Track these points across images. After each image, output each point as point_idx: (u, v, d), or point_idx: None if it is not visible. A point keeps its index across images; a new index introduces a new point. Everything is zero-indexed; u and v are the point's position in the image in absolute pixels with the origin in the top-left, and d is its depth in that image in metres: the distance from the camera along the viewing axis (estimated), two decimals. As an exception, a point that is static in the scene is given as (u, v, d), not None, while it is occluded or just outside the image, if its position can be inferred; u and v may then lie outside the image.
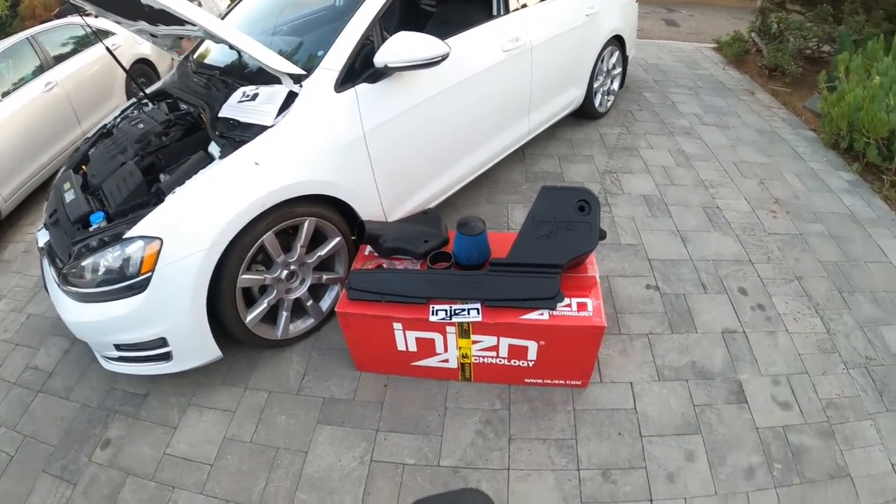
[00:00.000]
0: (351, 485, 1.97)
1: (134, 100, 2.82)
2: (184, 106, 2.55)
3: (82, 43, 4.82)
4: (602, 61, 4.06)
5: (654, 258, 2.95)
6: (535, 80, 3.29)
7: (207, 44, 2.85)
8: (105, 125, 2.71)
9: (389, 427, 2.14)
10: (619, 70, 4.43)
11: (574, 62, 3.73)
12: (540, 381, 2.23)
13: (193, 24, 1.92)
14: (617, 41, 4.18)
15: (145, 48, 5.31)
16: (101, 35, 4.34)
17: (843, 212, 3.33)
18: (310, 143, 2.16)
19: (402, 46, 2.21)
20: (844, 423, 2.16)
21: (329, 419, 2.18)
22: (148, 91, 2.81)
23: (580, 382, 2.23)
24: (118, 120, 2.69)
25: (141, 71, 5.31)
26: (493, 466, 2.00)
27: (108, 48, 2.77)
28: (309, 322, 2.47)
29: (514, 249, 2.06)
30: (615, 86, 4.49)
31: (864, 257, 2.98)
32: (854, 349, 2.46)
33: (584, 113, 4.25)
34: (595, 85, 4.12)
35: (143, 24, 2.40)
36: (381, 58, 2.21)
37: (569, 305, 2.02)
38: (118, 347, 2.04)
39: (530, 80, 3.25)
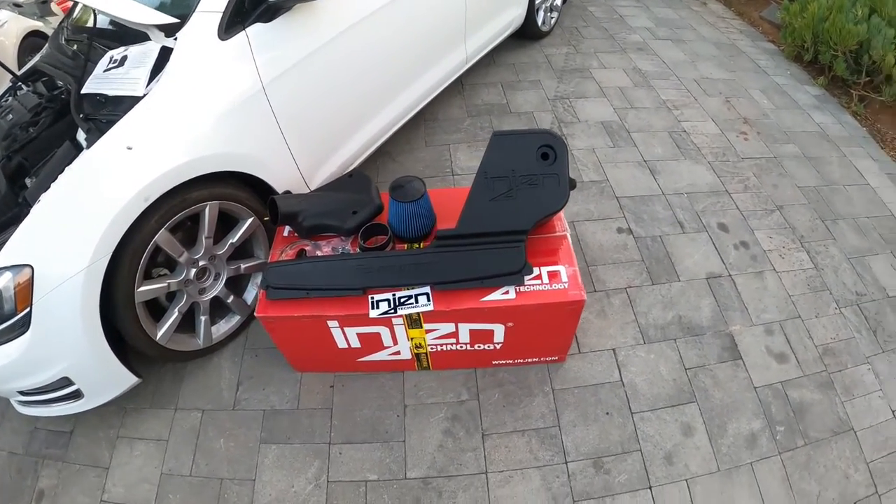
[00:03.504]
0: (310, 514, 1.69)
1: (9, 84, 2.29)
2: (60, 83, 2.10)
3: None
4: (543, -27, 3.64)
5: (622, 195, 2.69)
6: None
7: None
8: None
9: (343, 438, 1.85)
10: (562, -18, 4.03)
11: (514, -25, 3.30)
12: (511, 361, 1.95)
13: None
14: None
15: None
16: None
17: (815, 130, 3.19)
18: (195, 109, 1.74)
19: None
20: (843, 371, 2.06)
21: (273, 436, 1.87)
22: (22, 70, 2.28)
23: (557, 358, 1.97)
24: None
25: (34, 45, 4.52)
26: (468, 471, 1.75)
27: None
28: (235, 320, 2.12)
29: (464, 217, 1.70)
30: (558, 1, 4.08)
31: (843, 180, 2.85)
32: (844, 285, 2.34)
33: (526, 33, 3.86)
34: (537, 1, 3.71)
35: None
36: None
37: (538, 277, 1.71)
38: (22, 393, 1.75)
39: (464, -1, 2.83)
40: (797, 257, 2.43)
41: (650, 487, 1.71)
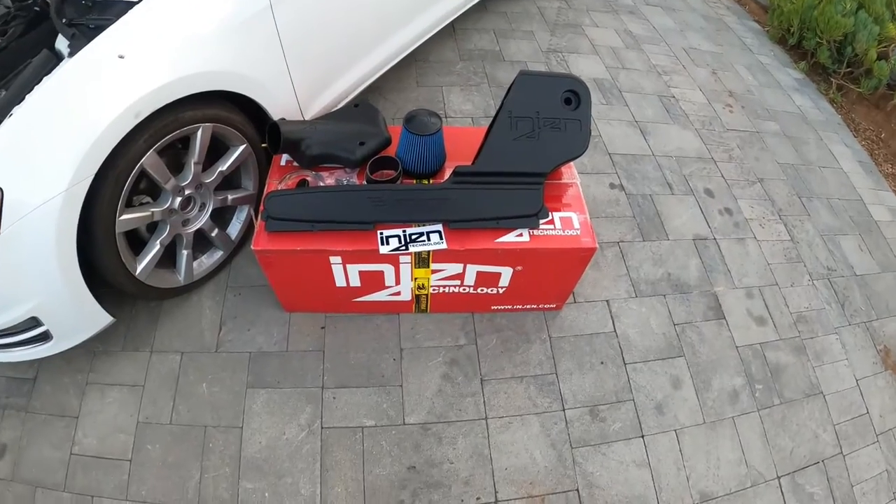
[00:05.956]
0: (303, 462, 1.61)
1: None
2: None
3: None
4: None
5: (614, 152, 2.69)
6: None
7: None
8: None
9: (337, 382, 1.77)
10: (558, -69, 3.91)
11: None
12: (510, 306, 1.93)
13: None
14: None
15: None
16: None
17: (795, 111, 3.28)
18: (196, 19, 1.57)
19: None
20: (814, 338, 2.17)
21: (261, 380, 1.76)
22: None
23: (555, 306, 1.97)
24: None
25: None
26: (468, 417, 1.73)
27: None
28: (217, 256, 1.96)
29: (484, 153, 1.63)
30: (553, -51, 3.98)
31: (818, 161, 2.96)
32: (817, 259, 2.45)
33: (519, -19, 3.74)
34: (533, -53, 3.60)
35: None
36: None
37: (551, 222, 1.67)
38: None
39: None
40: (776, 228, 2.52)
41: (643, 436, 1.76)
